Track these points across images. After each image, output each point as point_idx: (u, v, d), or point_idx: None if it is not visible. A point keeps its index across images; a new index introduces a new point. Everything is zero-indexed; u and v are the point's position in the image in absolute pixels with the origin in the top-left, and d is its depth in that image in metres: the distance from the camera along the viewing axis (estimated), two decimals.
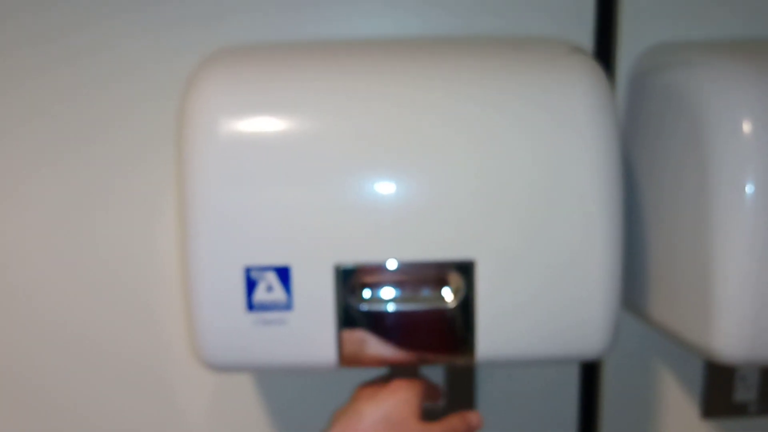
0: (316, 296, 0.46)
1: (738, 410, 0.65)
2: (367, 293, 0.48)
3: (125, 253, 0.61)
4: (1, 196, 0.60)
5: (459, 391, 0.64)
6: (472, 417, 0.51)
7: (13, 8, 0.57)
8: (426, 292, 0.48)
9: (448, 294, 0.47)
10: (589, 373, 0.66)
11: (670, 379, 0.66)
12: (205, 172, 0.46)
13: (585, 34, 0.58)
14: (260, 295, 0.46)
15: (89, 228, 0.60)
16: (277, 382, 0.64)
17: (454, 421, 0.49)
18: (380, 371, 0.58)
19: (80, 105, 0.58)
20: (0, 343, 0.62)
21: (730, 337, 0.47)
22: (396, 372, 0.58)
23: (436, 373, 0.63)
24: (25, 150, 0.59)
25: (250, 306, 0.47)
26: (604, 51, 0.59)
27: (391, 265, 0.47)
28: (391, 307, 0.47)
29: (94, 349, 0.62)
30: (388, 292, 0.48)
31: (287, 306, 0.46)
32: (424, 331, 0.48)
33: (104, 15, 0.57)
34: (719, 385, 0.65)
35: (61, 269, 0.61)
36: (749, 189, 0.45)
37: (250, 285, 0.46)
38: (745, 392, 0.65)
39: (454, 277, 0.47)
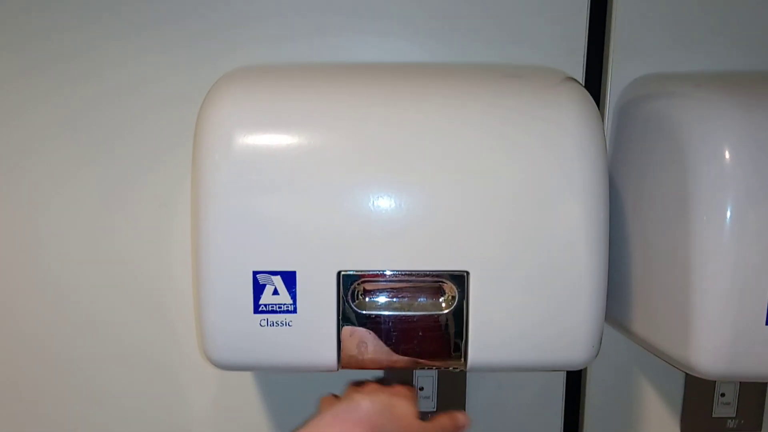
0: (320, 300, 0.48)
1: (717, 425, 0.67)
2: (367, 299, 0.49)
3: (143, 256, 0.63)
4: (35, 201, 0.62)
5: (450, 398, 0.66)
6: (460, 417, 0.52)
7: (42, 29, 0.60)
8: (422, 300, 0.50)
9: (442, 302, 0.49)
10: (574, 383, 0.67)
11: (651, 393, 0.67)
12: (218, 182, 0.48)
13: (577, 64, 0.60)
14: (266, 298, 0.48)
15: (111, 232, 0.63)
16: (279, 376, 0.66)
17: (444, 420, 0.51)
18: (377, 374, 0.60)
19: (105, 118, 0.61)
20: (32, 331, 0.65)
21: (709, 352, 0.49)
22: (391, 375, 0.60)
23: (428, 381, 0.65)
24: (56, 159, 0.62)
25: (257, 308, 0.48)
26: (595, 80, 0.61)
27: (391, 273, 0.49)
28: (389, 313, 0.49)
29: (112, 339, 0.65)
30: (387, 299, 0.50)
31: (292, 309, 0.48)
32: (419, 336, 0.49)
33: (127, 35, 0.60)
34: (699, 401, 0.66)
35: (86, 268, 0.63)
36: (728, 212, 0.47)
37: (258, 288, 0.48)
38: (724, 408, 0.67)
39: (449, 287, 0.49)
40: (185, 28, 0.60)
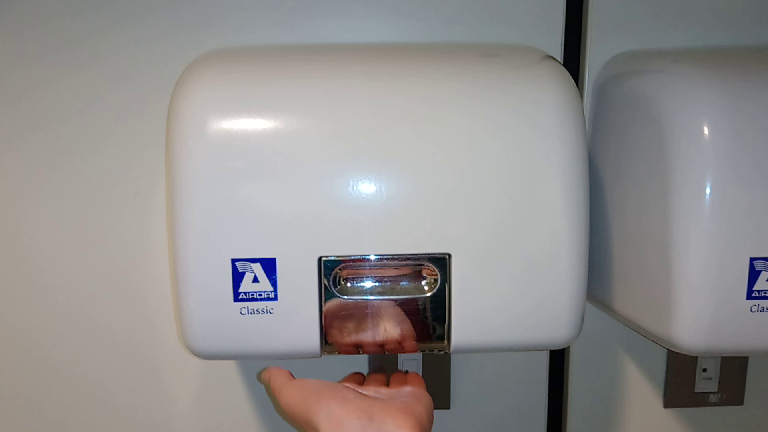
0: (301, 287, 0.48)
1: (699, 400, 0.68)
2: (349, 284, 0.49)
3: (122, 247, 0.62)
4: (13, 194, 0.62)
5: (435, 380, 0.66)
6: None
7: (20, 27, 0.59)
8: (404, 284, 0.50)
9: (425, 285, 0.49)
10: (558, 362, 0.68)
11: (634, 370, 0.68)
12: (193, 169, 0.47)
13: (555, 43, 0.60)
14: (246, 286, 0.48)
15: (89, 224, 0.62)
16: (261, 364, 0.66)
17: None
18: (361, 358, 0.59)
19: (83, 112, 0.60)
20: (11, 323, 0.64)
21: (690, 328, 0.49)
22: (376, 360, 0.60)
23: (413, 364, 0.65)
24: (37, 152, 0.61)
25: (237, 297, 0.48)
26: (573, 59, 0.61)
27: (372, 258, 0.48)
28: (371, 298, 0.49)
29: (93, 331, 0.64)
30: (368, 284, 0.49)
31: (272, 296, 0.48)
32: (402, 320, 0.49)
33: (102, 29, 0.59)
34: (681, 376, 0.67)
35: (65, 260, 0.63)
36: (708, 189, 0.47)
37: (237, 276, 0.48)
38: (706, 383, 0.68)
39: (431, 270, 0.49)
40: (155, 21, 0.59)
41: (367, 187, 0.47)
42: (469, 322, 0.49)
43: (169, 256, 0.62)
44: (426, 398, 0.48)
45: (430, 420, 0.46)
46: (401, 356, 0.65)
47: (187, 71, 0.51)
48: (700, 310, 0.49)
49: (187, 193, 0.47)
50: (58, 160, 0.61)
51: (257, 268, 0.48)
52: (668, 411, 0.69)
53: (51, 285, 0.63)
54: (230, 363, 0.65)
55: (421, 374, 0.65)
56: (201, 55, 0.54)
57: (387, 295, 0.49)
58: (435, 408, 0.56)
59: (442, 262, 0.48)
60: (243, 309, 0.48)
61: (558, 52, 0.60)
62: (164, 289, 0.63)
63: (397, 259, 0.48)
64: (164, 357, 0.65)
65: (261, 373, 0.51)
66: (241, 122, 0.47)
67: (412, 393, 0.48)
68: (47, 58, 0.59)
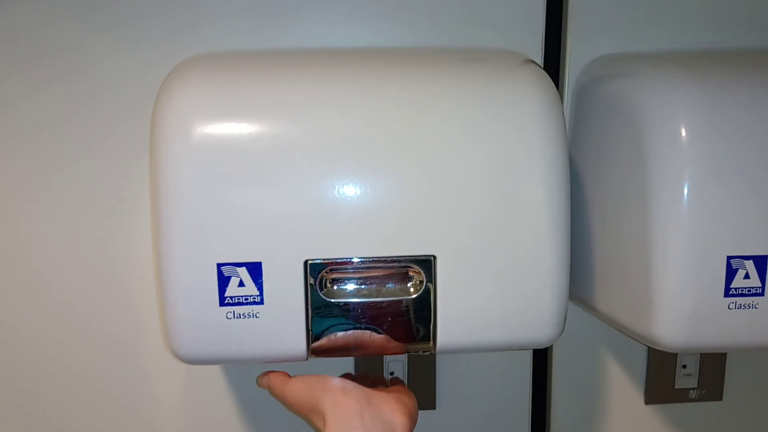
0: (287, 291, 0.48)
1: (679, 396, 0.69)
2: (335, 287, 0.49)
3: (109, 250, 0.62)
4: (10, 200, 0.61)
5: (420, 381, 0.66)
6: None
7: (3, 35, 0.58)
8: (390, 286, 0.50)
9: (410, 287, 0.50)
10: (541, 360, 0.68)
11: (615, 368, 0.68)
12: (177, 174, 0.47)
13: (535, 46, 0.61)
14: (232, 290, 0.48)
15: (78, 228, 0.62)
16: (248, 367, 0.65)
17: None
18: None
19: (67, 118, 0.60)
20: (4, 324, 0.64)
21: (669, 326, 0.50)
22: (362, 362, 0.60)
23: (398, 365, 0.66)
24: (23, 158, 0.60)
25: (223, 301, 0.48)
26: (553, 62, 0.62)
27: (358, 260, 0.48)
28: (357, 300, 0.49)
29: (81, 331, 0.64)
30: (355, 286, 0.50)
31: (259, 300, 0.48)
32: (388, 321, 0.50)
33: (85, 36, 0.59)
34: (662, 373, 0.68)
35: (51, 263, 0.62)
36: (686, 188, 0.48)
37: (222, 281, 0.47)
38: (686, 379, 0.69)
39: (416, 271, 0.49)
40: (139, 28, 0.59)
41: (351, 191, 0.48)
42: (454, 323, 0.50)
43: (154, 260, 0.61)
44: (413, 396, 0.52)
45: (417, 413, 0.51)
46: (386, 357, 0.65)
47: (171, 76, 0.50)
48: (680, 308, 0.49)
49: (171, 198, 0.47)
50: (42, 165, 0.60)
51: (243, 272, 0.47)
52: (649, 407, 0.69)
53: (38, 287, 0.62)
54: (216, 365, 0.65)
55: (406, 375, 0.66)
56: (185, 59, 0.54)
57: (373, 297, 0.49)
58: (420, 408, 0.57)
59: (427, 263, 0.49)
60: (229, 313, 0.48)
61: (538, 56, 0.61)
62: (151, 291, 0.63)
63: (383, 261, 0.49)
64: (151, 357, 0.65)
65: (259, 378, 0.54)
66: (225, 126, 0.47)
67: (400, 389, 0.52)
68: (31, 66, 0.59)
